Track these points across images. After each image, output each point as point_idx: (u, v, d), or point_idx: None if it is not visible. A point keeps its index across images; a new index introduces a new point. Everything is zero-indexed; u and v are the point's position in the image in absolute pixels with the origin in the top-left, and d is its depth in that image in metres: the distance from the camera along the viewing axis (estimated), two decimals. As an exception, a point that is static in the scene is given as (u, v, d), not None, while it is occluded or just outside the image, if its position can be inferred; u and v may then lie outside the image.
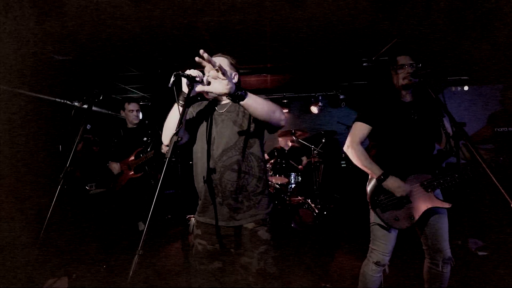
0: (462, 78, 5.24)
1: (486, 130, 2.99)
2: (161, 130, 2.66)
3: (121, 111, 3.34)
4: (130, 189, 3.11)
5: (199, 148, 1.58)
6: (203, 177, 1.52)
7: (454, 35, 3.23)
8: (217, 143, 1.52)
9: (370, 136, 1.88)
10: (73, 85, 3.95)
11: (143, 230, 1.03)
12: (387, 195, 1.75)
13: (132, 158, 3.19)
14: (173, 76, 1.25)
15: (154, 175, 3.20)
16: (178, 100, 1.37)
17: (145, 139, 3.21)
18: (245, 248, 1.49)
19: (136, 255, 0.99)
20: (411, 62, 1.77)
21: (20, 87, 2.96)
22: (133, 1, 2.34)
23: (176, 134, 1.16)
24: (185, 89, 1.37)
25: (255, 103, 1.33)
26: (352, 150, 1.85)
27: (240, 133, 1.52)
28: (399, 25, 3.04)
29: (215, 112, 1.60)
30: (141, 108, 6.09)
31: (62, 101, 3.75)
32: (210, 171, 1.50)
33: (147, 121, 3.48)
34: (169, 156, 1.11)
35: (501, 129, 2.93)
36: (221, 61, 1.57)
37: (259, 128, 1.55)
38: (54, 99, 3.72)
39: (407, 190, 1.71)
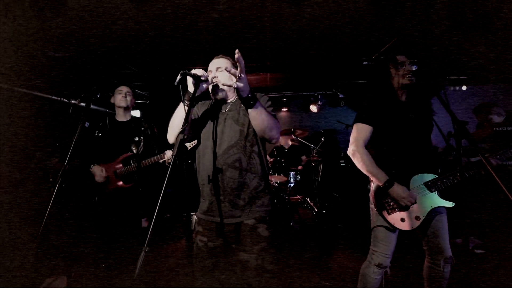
0: (460, 77, 5.25)
1: (485, 129, 3.00)
2: (156, 128, 2.59)
3: (111, 98, 2.68)
4: (116, 200, 2.49)
5: (202, 146, 1.60)
6: (206, 174, 1.53)
7: (453, 35, 3.23)
8: (219, 142, 1.53)
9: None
10: (72, 83, 3.93)
11: (145, 227, 1.03)
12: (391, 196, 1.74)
13: (120, 165, 2.52)
14: (179, 74, 1.26)
15: (143, 183, 2.63)
16: (183, 99, 1.39)
17: (136, 138, 2.56)
18: (244, 245, 1.51)
19: (143, 252, 0.99)
20: (409, 61, 1.77)
21: (20, 86, 2.94)
22: (133, 1, 2.34)
23: (182, 132, 1.18)
24: (190, 88, 1.39)
25: (258, 115, 1.40)
26: (358, 154, 1.79)
27: (242, 132, 1.53)
28: (398, 25, 3.03)
29: (218, 111, 1.62)
30: (139, 107, 6.11)
31: (60, 99, 3.72)
32: (212, 168, 1.51)
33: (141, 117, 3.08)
34: (174, 154, 1.12)
35: (500, 129, 2.94)
36: (224, 62, 1.59)
37: None
38: (51, 97, 3.70)
39: (412, 200, 1.69)
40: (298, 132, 4.98)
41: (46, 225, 1.61)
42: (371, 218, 1.88)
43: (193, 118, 1.63)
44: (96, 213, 2.49)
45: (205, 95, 1.53)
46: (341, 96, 5.89)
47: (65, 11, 2.31)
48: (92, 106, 2.00)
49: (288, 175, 4.50)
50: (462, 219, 2.45)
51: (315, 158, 4.93)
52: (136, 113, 6.00)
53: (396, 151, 1.79)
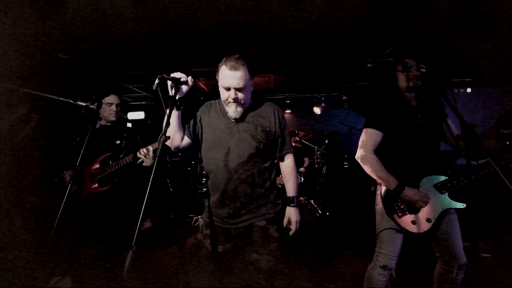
0: (465, 80, 5.21)
1: (490, 132, 2.96)
2: (139, 134, 2.60)
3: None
4: (91, 206, 2.31)
5: (212, 156, 1.56)
6: (217, 184, 1.54)
7: (455, 37, 3.20)
8: (234, 155, 1.51)
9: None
10: (76, 85, 3.94)
11: (149, 227, 1.03)
12: (404, 200, 1.73)
13: (97, 166, 2.34)
14: (157, 78, 1.28)
15: (125, 188, 2.46)
16: (163, 103, 1.42)
17: (118, 142, 2.42)
18: (256, 246, 1.53)
19: (130, 251, 1.01)
20: (417, 64, 1.76)
21: (21, 86, 2.95)
22: (134, 1, 2.33)
23: (164, 133, 1.22)
24: (170, 91, 1.42)
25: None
26: (366, 160, 1.78)
27: (258, 148, 1.53)
28: (401, 27, 3.01)
29: (230, 120, 1.57)
30: (144, 108, 6.12)
31: (67, 100, 3.72)
32: (225, 181, 1.51)
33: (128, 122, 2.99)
34: (158, 154, 1.16)
35: (506, 131, 2.90)
36: (242, 77, 1.44)
37: (274, 144, 1.64)
38: (58, 98, 3.70)
39: (426, 200, 1.68)
40: (301, 134, 4.96)
41: (48, 225, 1.61)
42: (376, 220, 1.86)
43: (198, 120, 1.62)
44: (79, 217, 2.32)
45: (209, 95, 1.52)
46: (344, 98, 5.87)
47: (65, 11, 2.29)
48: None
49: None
50: (470, 222, 2.40)
51: (318, 160, 4.91)
52: (140, 114, 6.00)
53: (406, 156, 1.78)
